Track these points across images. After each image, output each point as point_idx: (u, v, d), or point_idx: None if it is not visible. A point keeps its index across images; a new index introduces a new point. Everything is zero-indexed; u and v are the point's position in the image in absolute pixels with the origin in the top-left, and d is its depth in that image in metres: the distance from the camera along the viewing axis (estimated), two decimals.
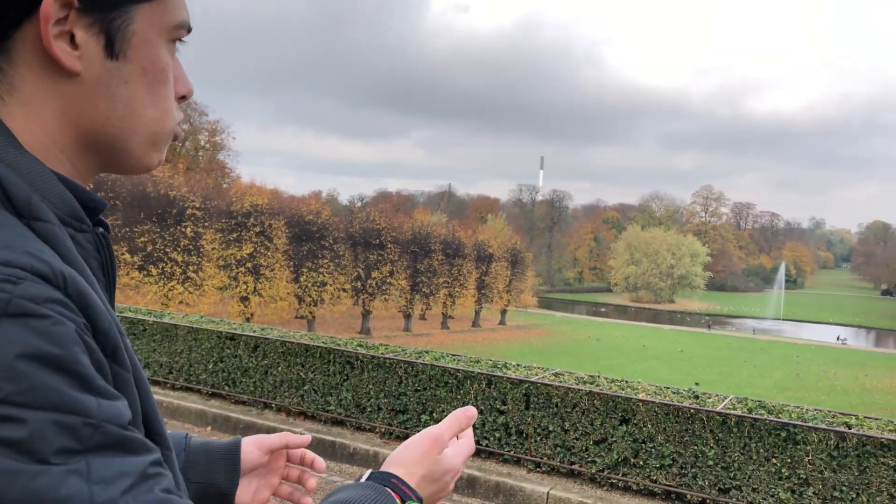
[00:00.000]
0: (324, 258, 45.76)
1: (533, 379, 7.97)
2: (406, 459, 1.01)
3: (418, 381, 8.58)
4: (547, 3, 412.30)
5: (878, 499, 6.31)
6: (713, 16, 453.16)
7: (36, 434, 0.51)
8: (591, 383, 7.93)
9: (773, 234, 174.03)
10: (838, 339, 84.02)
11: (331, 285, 46.31)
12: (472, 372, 8.23)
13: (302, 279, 44.73)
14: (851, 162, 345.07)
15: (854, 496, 6.39)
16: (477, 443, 8.27)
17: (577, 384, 7.81)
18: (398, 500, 0.94)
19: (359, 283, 49.75)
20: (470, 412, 1.10)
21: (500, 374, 8.16)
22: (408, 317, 56.26)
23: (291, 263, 44.53)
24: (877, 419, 7.14)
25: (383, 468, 1.00)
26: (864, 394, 46.29)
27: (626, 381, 8.25)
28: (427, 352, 9.41)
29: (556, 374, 8.34)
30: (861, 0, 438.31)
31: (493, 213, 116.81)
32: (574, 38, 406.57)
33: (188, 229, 37.20)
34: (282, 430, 9.26)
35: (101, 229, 0.78)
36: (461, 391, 8.28)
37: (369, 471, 1.00)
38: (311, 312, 45.57)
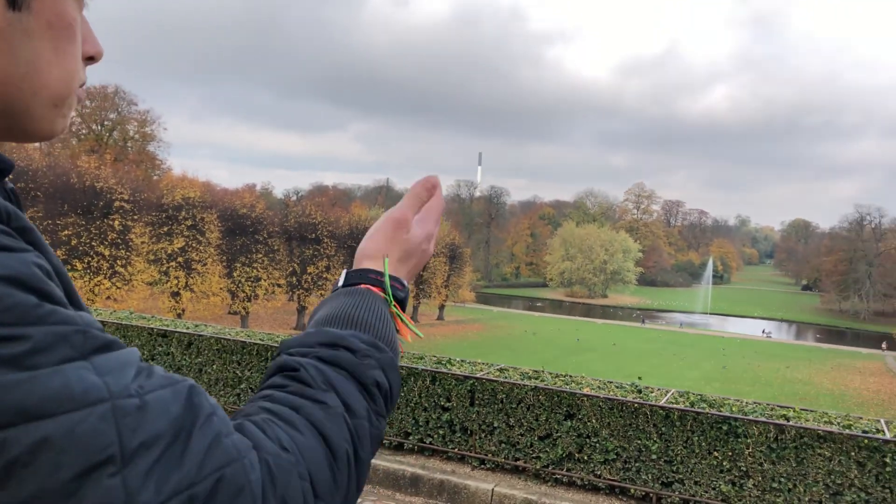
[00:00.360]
0: (258, 253, 44.84)
1: (478, 375, 7.88)
2: (374, 250, 0.98)
3: None
4: (486, 2, 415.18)
5: (814, 489, 6.46)
6: (646, 15, 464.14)
7: (39, 345, 0.52)
8: (536, 378, 7.89)
9: (701, 231, 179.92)
10: (763, 332, 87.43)
11: (265, 280, 45.42)
12: (416, 369, 8.08)
13: (235, 274, 43.71)
14: (775, 162, 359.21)
15: (791, 487, 6.53)
16: (420, 441, 8.13)
17: (523, 380, 7.75)
18: (379, 293, 0.93)
19: (294, 279, 48.96)
20: (430, 182, 1.07)
21: (444, 370, 8.04)
22: None
23: (224, 258, 43.47)
24: (812, 411, 7.32)
25: (355, 265, 0.98)
26: (786, 384, 48.28)
27: (571, 376, 8.25)
28: None
29: (500, 370, 8.28)
30: (784, 2, 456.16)
31: None
32: (512, 34, 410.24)
33: (116, 222, 35.85)
34: None
35: (10, 185, 0.70)
36: (404, 388, 8.12)
37: (344, 271, 0.97)
38: (244, 308, 44.59)
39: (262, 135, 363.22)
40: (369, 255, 0.98)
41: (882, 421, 7.05)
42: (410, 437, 8.12)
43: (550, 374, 8.32)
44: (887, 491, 6.31)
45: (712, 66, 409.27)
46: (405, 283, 0.99)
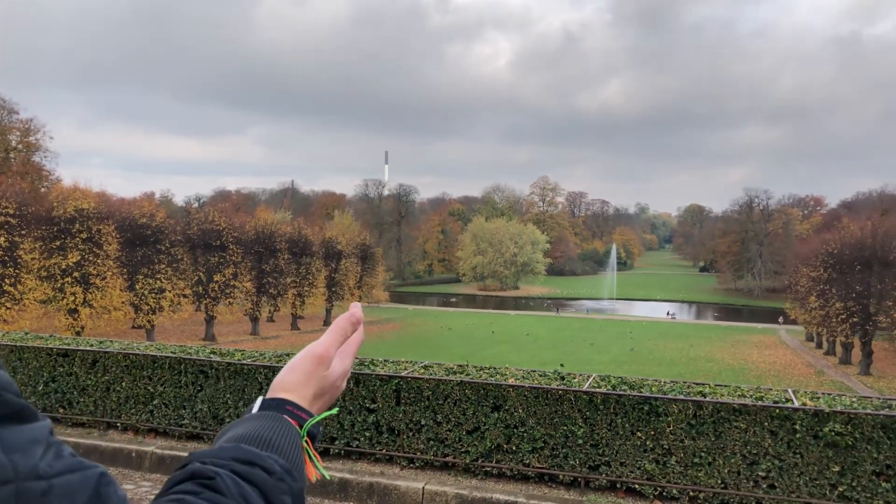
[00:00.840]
0: (161, 263, 43.00)
1: (403, 374, 7.79)
2: (293, 384, 1.00)
3: None
4: (385, 1, 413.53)
5: (732, 461, 6.73)
6: (541, 12, 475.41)
7: None
8: (461, 373, 7.88)
9: (604, 220, 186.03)
10: (668, 314, 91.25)
11: (170, 291, 43.61)
12: None
13: (137, 287, 41.77)
14: (670, 150, 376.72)
15: (711, 460, 6.78)
16: (347, 444, 7.96)
17: (448, 375, 7.73)
18: (296, 426, 0.95)
19: (200, 288, 47.27)
20: (355, 317, 1.10)
21: (368, 371, 7.90)
22: (255, 320, 54.28)
23: (125, 270, 41.45)
24: (726, 386, 7.64)
25: (271, 395, 0.99)
26: (690, 363, 50.48)
27: (495, 368, 8.28)
28: (289, 354, 8.95)
29: (425, 367, 8.21)
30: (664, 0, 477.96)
31: (340, 208, 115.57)
32: (414, 32, 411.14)
33: (1, 238, 33.55)
34: (129, 451, 8.40)
35: None
36: None
37: (260, 398, 0.98)
38: (149, 321, 42.68)
39: (158, 140, 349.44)
40: (288, 388, 0.99)
41: (790, 391, 7.42)
42: (336, 442, 7.94)
43: (475, 367, 8.33)
44: (798, 456, 6.65)
45: (607, 61, 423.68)
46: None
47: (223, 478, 0.77)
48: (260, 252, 53.57)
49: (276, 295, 55.53)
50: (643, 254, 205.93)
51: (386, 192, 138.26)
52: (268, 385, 8.25)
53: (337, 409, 1.08)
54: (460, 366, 8.37)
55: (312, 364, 1.01)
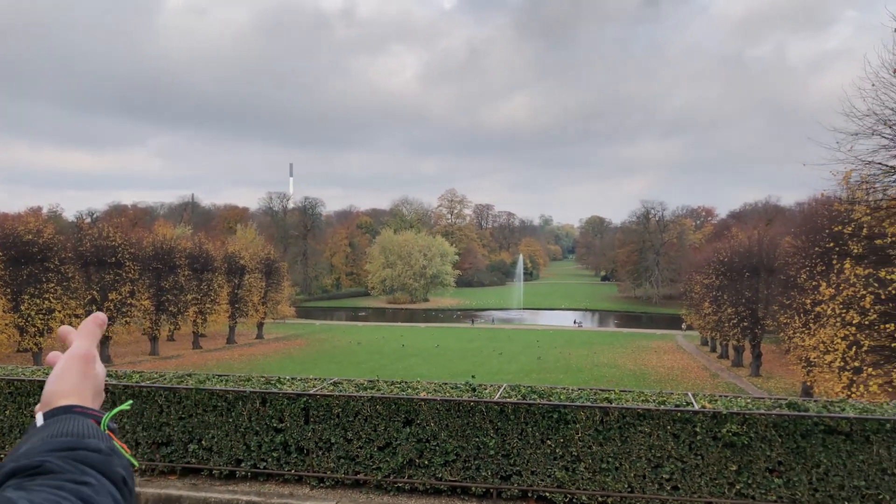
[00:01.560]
0: (49, 282, 40.51)
1: (311, 391, 7.59)
2: (70, 389, 0.99)
3: (182, 409, 7.75)
4: (287, 11, 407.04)
5: (637, 465, 6.93)
6: (446, 26, 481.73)
7: None
8: (372, 388, 7.77)
9: (510, 232, 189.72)
10: (575, 322, 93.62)
11: (60, 312, 41.12)
12: (244, 391, 7.63)
13: (23, 307, 39.18)
14: (572, 163, 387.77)
15: (618, 465, 6.96)
16: (253, 466, 7.68)
17: (358, 391, 7.60)
18: (94, 423, 0.93)
19: (94, 307, 44.78)
20: (99, 318, 1.13)
21: (275, 390, 7.65)
22: (154, 339, 51.97)
23: (9, 290, 38.84)
24: (631, 391, 7.86)
25: (54, 405, 0.96)
26: (594, 369, 51.91)
27: (407, 382, 8.20)
28: (190, 375, 8.56)
29: (334, 384, 8.05)
30: (571, 13, 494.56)
31: (243, 222, 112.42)
32: (318, 45, 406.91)
33: None
34: None
35: None
36: (233, 413, 7.64)
37: (40, 413, 0.96)
38: (36, 344, 40.08)
39: (45, 153, 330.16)
40: (65, 394, 0.97)
41: (690, 394, 7.74)
42: (242, 464, 7.65)
43: (386, 382, 8.23)
44: (699, 458, 6.91)
45: (511, 76, 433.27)
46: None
47: (50, 461, 0.75)
48: (158, 268, 51.40)
49: (177, 313, 53.38)
50: (548, 264, 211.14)
51: (291, 205, 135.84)
52: (168, 407, 7.87)
53: (130, 402, 1.14)
54: (371, 381, 8.25)
55: (83, 366, 1.01)
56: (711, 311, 54.91)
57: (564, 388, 7.98)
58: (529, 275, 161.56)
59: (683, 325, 68.87)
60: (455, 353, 59.71)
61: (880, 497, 6.95)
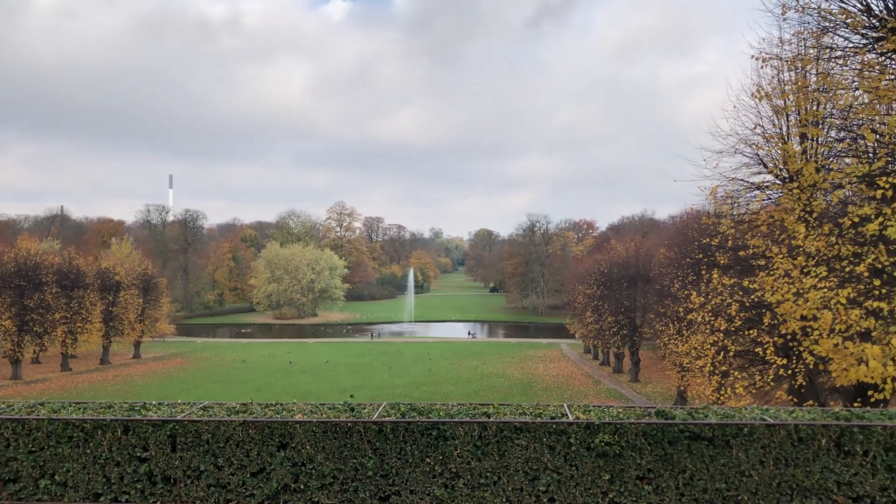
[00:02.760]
0: None
1: (179, 417, 7.14)
2: None
3: (33, 441, 7.11)
4: (168, 18, 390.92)
5: (515, 478, 6.98)
6: (335, 39, 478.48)
7: None
8: (244, 412, 7.42)
9: (401, 245, 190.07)
10: (469, 333, 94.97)
11: None
12: (104, 420, 7.09)
13: None
14: (461, 177, 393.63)
15: (497, 479, 6.99)
16: (114, 500, 7.14)
17: (230, 415, 7.23)
18: None
19: None
20: None
21: (139, 417, 7.16)
22: (16, 362, 48.18)
23: None
24: (509, 405, 7.94)
25: None
26: (483, 379, 52.66)
27: (282, 404, 7.90)
28: (42, 404, 7.87)
29: (204, 409, 7.62)
30: (459, 32, 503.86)
31: (119, 236, 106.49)
32: (201, 53, 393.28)
33: None
34: None
35: None
36: (91, 444, 7.08)
37: None
38: None
39: None
40: None
41: (565, 406, 7.91)
42: (102, 498, 7.10)
43: (260, 404, 7.89)
44: (574, 468, 7.06)
45: (400, 91, 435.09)
46: None
47: None
48: (22, 286, 47.80)
49: (42, 333, 49.81)
50: (439, 277, 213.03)
51: (171, 218, 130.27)
52: (16, 440, 7.20)
53: None
54: (244, 404, 7.89)
55: None
56: (593, 320, 57.05)
57: (444, 404, 7.96)
58: (420, 287, 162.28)
59: (577, 336, 71.10)
60: (345, 369, 59.08)
61: (739, 498, 7.32)
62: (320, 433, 7.03)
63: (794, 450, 7.48)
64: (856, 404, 16.72)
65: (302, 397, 45.56)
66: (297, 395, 46.61)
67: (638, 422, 7.32)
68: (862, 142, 13.66)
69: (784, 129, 17.86)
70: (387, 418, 7.18)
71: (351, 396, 8.87)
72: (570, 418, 7.37)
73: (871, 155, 13.72)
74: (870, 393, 15.80)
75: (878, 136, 13.43)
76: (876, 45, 13.70)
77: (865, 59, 13.79)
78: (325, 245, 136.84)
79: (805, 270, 14.07)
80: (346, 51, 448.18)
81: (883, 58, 13.67)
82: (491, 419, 7.27)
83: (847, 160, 13.94)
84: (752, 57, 15.16)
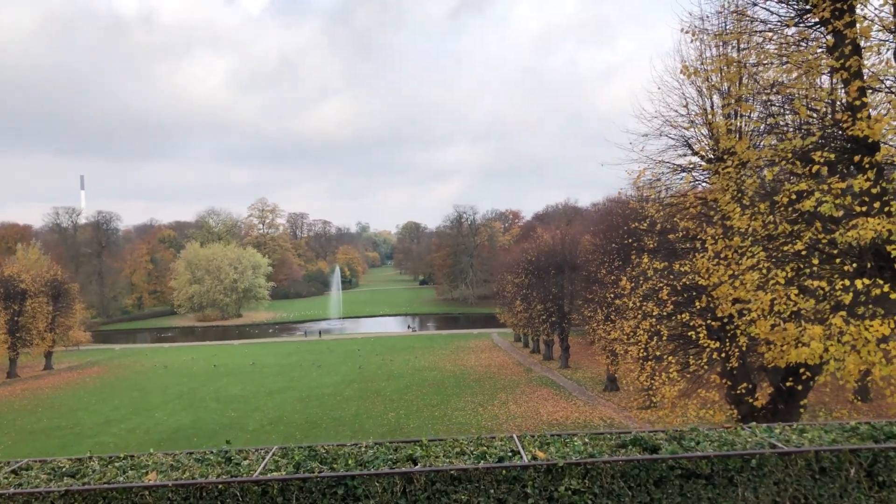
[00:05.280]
0: None
1: None
2: None
3: None
4: (78, 14, 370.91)
5: None
6: (253, 34, 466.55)
7: None
8: (75, 475, 5.69)
9: (326, 240, 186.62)
10: (409, 327, 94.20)
11: None
12: None
13: None
14: (387, 170, 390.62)
15: None
16: None
17: (51, 481, 5.52)
18: None
19: None
20: None
21: None
22: None
23: None
24: (442, 440, 6.26)
25: None
26: (416, 373, 51.66)
27: (133, 457, 5.95)
28: None
29: (16, 472, 5.87)
30: (377, 24, 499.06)
31: (24, 241, 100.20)
32: (115, 49, 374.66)
33: None
34: None
35: None
36: None
37: None
38: None
39: None
40: None
41: (515, 438, 6.25)
42: None
43: (101, 459, 6.08)
44: None
45: (324, 84, 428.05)
46: None
47: None
48: None
49: None
50: (367, 271, 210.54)
51: (83, 221, 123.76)
52: None
53: None
54: (78, 460, 5.84)
55: None
56: (523, 308, 56.72)
57: (356, 445, 6.15)
58: (348, 283, 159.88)
59: (507, 325, 70.82)
60: (272, 370, 57.31)
61: None
62: (179, 501, 5.27)
63: (816, 485, 6.00)
64: (787, 383, 16.35)
65: (227, 402, 43.61)
66: (222, 399, 44.65)
67: (614, 460, 5.73)
68: (795, 116, 13.02)
69: (709, 107, 17.32)
70: (274, 474, 5.44)
71: (228, 442, 6.95)
72: (525, 457, 5.76)
73: (803, 130, 13.12)
74: (801, 370, 15.43)
75: (810, 111, 12.83)
76: (802, 18, 13.14)
77: (793, 32, 13.23)
78: (247, 243, 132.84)
79: (741, 251, 13.44)
80: (266, 44, 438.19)
81: (810, 30, 13.09)
82: (418, 467, 5.55)
83: (779, 136, 13.30)
84: (682, 30, 14.42)
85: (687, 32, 14.40)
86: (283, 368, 58.09)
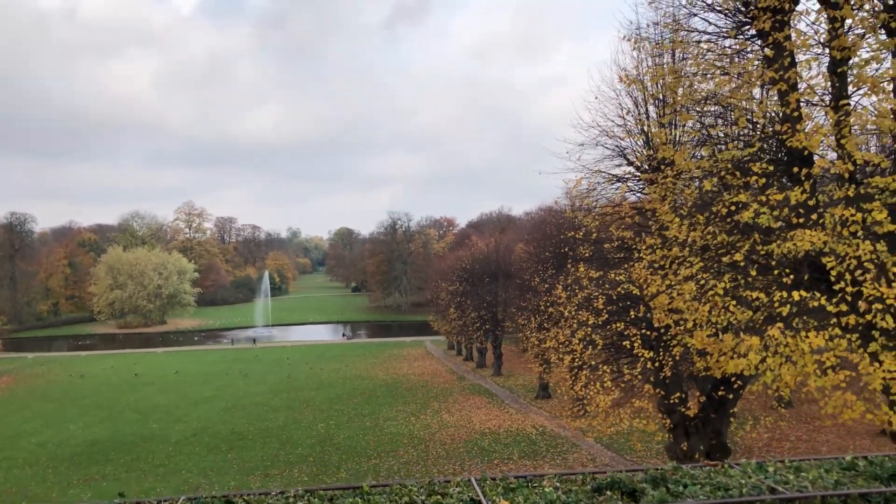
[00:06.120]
0: None
1: None
2: None
3: None
4: None
5: None
6: (182, 34, 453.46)
7: None
8: None
9: (256, 246, 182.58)
10: (343, 335, 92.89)
11: None
12: None
13: None
14: (323, 176, 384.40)
15: None
16: None
17: None
18: None
19: None
20: None
21: None
22: None
23: None
24: (387, 485, 5.13)
25: None
26: (346, 382, 50.87)
27: None
28: None
29: None
30: (319, 31, 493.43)
31: None
32: (35, 45, 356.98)
33: None
34: None
35: None
36: None
37: None
38: None
39: None
40: None
41: (474, 481, 5.15)
42: None
43: None
44: None
45: (257, 88, 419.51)
46: None
47: None
48: None
49: None
50: (298, 278, 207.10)
51: None
52: None
53: None
54: None
55: None
56: (456, 316, 56.60)
57: (282, 493, 4.91)
58: (278, 289, 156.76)
59: (440, 333, 70.49)
60: (197, 379, 55.51)
61: None
62: None
63: None
64: (719, 392, 16.55)
65: (149, 412, 42.00)
66: (144, 410, 42.90)
67: None
68: (734, 127, 13.16)
69: (646, 117, 17.46)
70: None
71: (121, 494, 5.68)
72: None
73: (741, 141, 13.27)
74: (733, 380, 15.63)
75: (748, 122, 12.97)
76: (741, 30, 13.31)
77: (731, 43, 13.39)
78: (173, 248, 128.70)
79: (678, 261, 13.46)
80: (198, 45, 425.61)
81: (749, 42, 13.27)
82: None
83: (717, 147, 13.41)
84: (623, 38, 14.45)
85: (627, 40, 14.46)
86: (209, 377, 56.31)
